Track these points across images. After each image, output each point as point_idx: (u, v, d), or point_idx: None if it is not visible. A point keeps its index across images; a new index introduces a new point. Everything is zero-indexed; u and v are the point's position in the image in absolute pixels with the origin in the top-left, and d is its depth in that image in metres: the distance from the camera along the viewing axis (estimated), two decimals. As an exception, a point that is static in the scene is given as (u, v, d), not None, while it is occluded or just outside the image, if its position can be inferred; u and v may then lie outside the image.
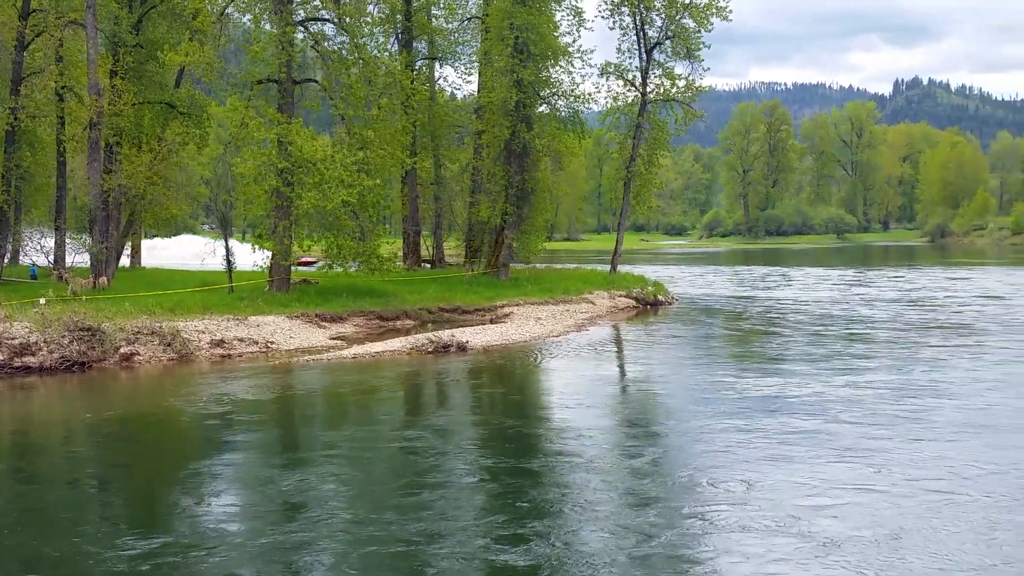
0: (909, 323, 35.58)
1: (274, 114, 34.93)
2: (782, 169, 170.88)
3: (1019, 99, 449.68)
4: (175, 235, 74.21)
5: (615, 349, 32.00)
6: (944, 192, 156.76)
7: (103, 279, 35.10)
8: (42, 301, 28.82)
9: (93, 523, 13.06)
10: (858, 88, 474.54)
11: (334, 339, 30.69)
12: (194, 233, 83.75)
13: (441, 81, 53.49)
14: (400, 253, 49.90)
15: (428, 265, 50.91)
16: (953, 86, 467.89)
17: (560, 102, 45.50)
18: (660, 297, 44.14)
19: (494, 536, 12.15)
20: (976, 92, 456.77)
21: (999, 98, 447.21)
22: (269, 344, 28.59)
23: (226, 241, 37.02)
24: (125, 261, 47.31)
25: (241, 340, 28.31)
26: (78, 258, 40.07)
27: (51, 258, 41.52)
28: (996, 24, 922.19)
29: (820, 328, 34.52)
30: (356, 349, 28.43)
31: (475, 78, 50.12)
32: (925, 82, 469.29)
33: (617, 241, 51.55)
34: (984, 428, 17.40)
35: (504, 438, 17.95)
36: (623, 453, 16.67)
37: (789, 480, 14.19)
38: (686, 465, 15.34)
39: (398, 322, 34.41)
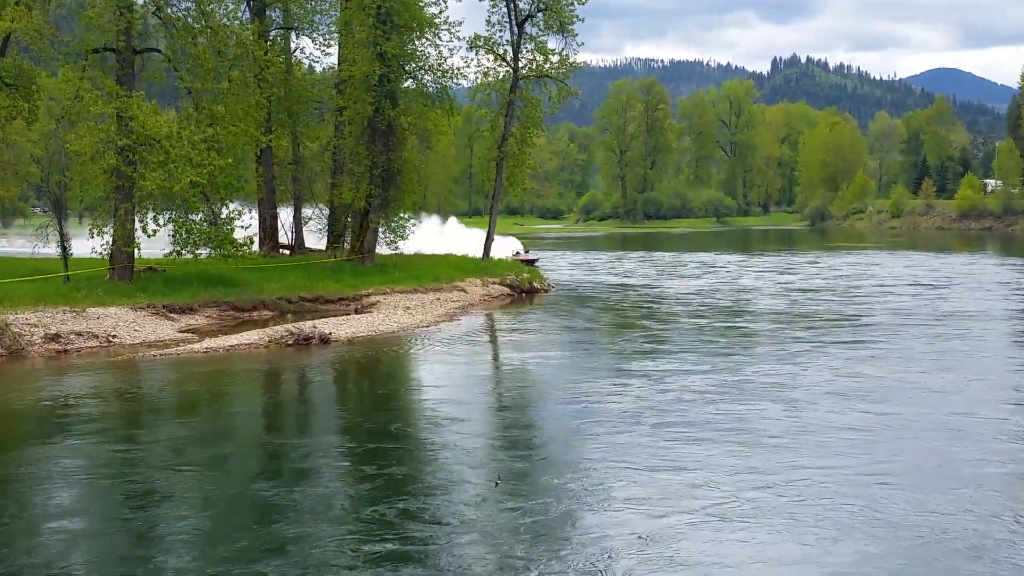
0: (787, 314, 36.91)
1: (112, 86, 33.88)
2: (660, 150, 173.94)
3: (897, 78, 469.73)
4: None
5: (487, 341, 32.29)
6: (823, 174, 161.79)
7: (-81, 269, 33.58)
8: None
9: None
10: (736, 66, 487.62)
11: (184, 332, 30.05)
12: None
13: (298, 53, 52.27)
14: (256, 238, 49.05)
15: (287, 251, 50.19)
16: (831, 64, 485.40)
17: (427, 77, 45.31)
18: (535, 284, 44.69)
19: (351, 546, 12.20)
20: (855, 71, 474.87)
21: (877, 77, 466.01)
22: (111, 338, 27.82)
23: (60, 226, 35.77)
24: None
25: (79, 334, 27.48)
26: None
27: None
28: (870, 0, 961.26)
29: (692, 321, 35.50)
30: (208, 342, 27.89)
31: (335, 50, 49.43)
32: (803, 60, 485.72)
33: (490, 225, 51.88)
34: (791, 439, 16.79)
35: (367, 439, 17.94)
36: (464, 460, 17.18)
37: (551, 496, 13.80)
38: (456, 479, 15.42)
39: (255, 313, 33.91)
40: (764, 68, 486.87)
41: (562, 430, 18.29)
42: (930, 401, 20.07)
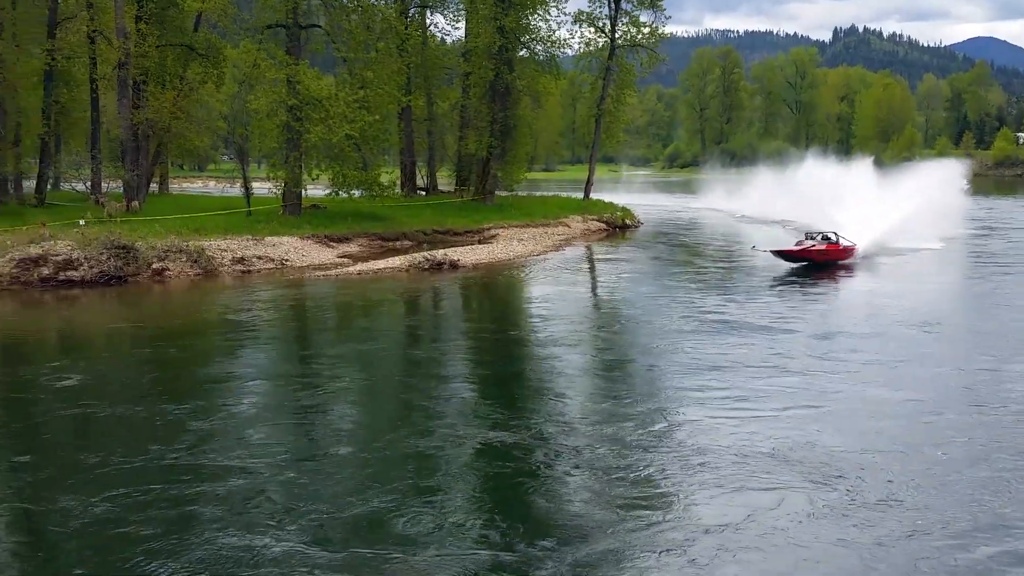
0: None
1: (283, 56, 34.31)
2: (734, 107, 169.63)
3: (942, 45, 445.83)
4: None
5: (587, 266, 32.16)
6: (876, 128, 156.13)
7: (135, 203, 34.75)
8: (82, 222, 28.54)
9: (128, 426, 13.13)
10: (802, 35, 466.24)
11: (341, 257, 30.62)
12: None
13: (432, 27, 51.87)
14: (398, 181, 49.44)
15: (423, 192, 50.53)
16: (885, 33, 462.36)
17: (538, 47, 44.72)
18: (627, 221, 44.18)
19: (482, 440, 12.35)
20: (905, 39, 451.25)
21: (925, 44, 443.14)
22: (284, 261, 28.54)
23: (244, 170, 36.66)
24: (154, 187, 46.68)
25: (259, 258, 28.25)
26: (112, 184, 39.42)
27: (88, 184, 40.75)
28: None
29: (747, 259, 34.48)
30: (361, 266, 28.40)
31: (462, 25, 49.00)
32: (860, 30, 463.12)
33: (590, 171, 51.33)
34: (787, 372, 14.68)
35: (486, 340, 18.23)
36: (584, 359, 17.13)
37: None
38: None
39: (397, 243, 34.27)
40: (826, 37, 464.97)
41: (632, 334, 18.31)
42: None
